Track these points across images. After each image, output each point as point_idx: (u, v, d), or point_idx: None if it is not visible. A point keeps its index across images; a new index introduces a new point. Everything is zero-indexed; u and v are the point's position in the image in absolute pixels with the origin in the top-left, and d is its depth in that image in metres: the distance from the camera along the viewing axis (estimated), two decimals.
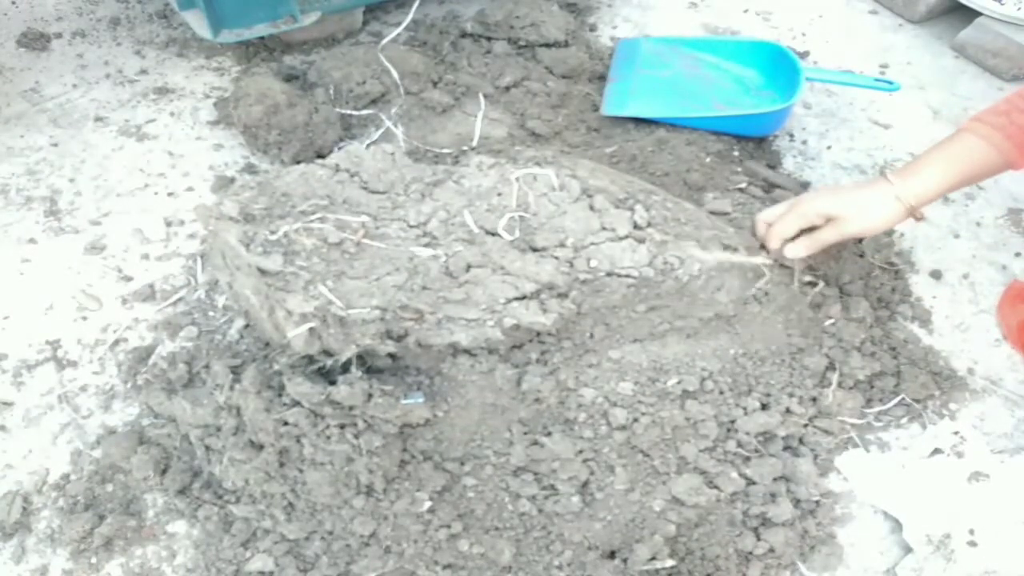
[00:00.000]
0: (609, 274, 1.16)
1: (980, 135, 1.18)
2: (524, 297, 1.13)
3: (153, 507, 1.19)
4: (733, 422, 1.20)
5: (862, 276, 1.43)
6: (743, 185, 1.54)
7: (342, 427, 1.09)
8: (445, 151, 1.63)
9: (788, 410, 1.24)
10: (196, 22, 1.71)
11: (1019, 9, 1.88)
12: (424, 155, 1.62)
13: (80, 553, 1.15)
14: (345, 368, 1.09)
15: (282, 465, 1.12)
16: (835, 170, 1.70)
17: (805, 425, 1.25)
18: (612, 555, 1.14)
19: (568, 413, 1.17)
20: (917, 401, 1.31)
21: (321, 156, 1.59)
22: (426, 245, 1.17)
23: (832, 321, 1.33)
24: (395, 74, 1.72)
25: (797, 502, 1.19)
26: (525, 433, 1.16)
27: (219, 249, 1.21)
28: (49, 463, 1.24)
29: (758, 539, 1.15)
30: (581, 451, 1.15)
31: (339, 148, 1.64)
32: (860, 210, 1.21)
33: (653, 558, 1.12)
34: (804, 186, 1.64)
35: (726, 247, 1.23)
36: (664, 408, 1.18)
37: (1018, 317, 1.42)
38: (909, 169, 1.22)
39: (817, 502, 1.19)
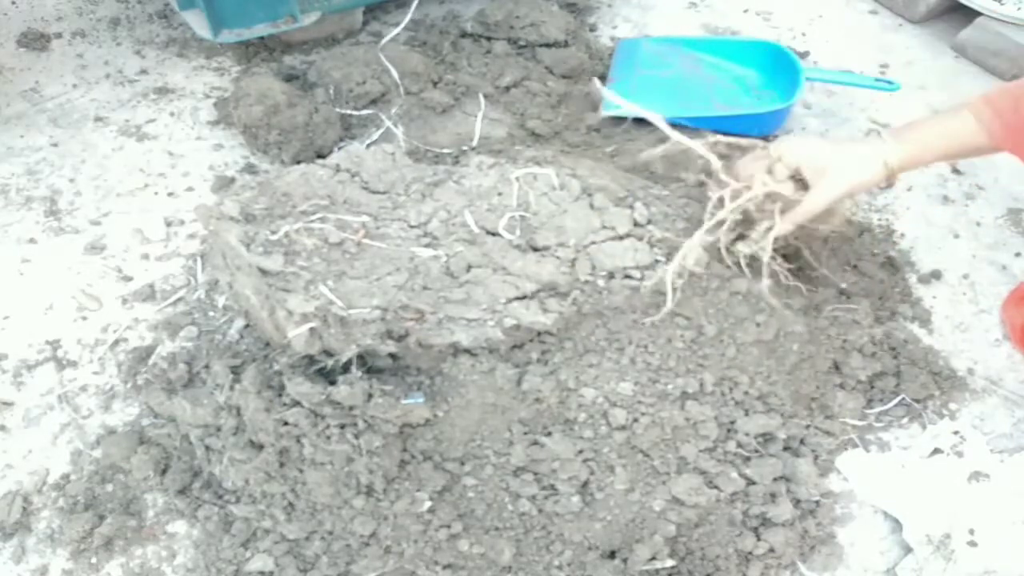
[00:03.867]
0: (611, 276, 1.16)
1: (980, 119, 1.15)
2: (525, 297, 1.13)
3: (153, 507, 1.19)
4: (733, 423, 1.20)
5: (861, 275, 1.43)
6: None
7: (342, 427, 1.09)
8: (445, 151, 1.63)
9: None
10: (196, 22, 1.71)
11: (1019, 9, 1.88)
12: (424, 155, 1.62)
13: (80, 553, 1.15)
14: (345, 368, 1.09)
15: (282, 465, 1.12)
16: None
17: (807, 427, 1.25)
18: (612, 555, 1.14)
19: (568, 413, 1.16)
20: (917, 401, 1.31)
21: (321, 156, 1.59)
22: (427, 245, 1.17)
23: (834, 318, 1.33)
24: (395, 74, 1.72)
25: (797, 502, 1.19)
26: (525, 433, 1.16)
27: (219, 249, 1.21)
28: (49, 463, 1.24)
29: (758, 539, 1.15)
30: (581, 451, 1.15)
31: (339, 148, 1.64)
32: (840, 166, 1.15)
33: (653, 558, 1.12)
34: None
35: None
36: (664, 408, 1.18)
37: (1023, 317, 1.42)
38: (904, 134, 1.18)
39: (817, 502, 1.19)
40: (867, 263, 1.47)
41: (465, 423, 1.14)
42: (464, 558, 1.12)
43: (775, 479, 1.19)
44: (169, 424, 1.24)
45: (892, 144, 1.17)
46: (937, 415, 1.31)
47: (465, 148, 1.63)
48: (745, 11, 2.09)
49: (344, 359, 1.08)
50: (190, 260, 1.49)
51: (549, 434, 1.15)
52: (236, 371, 1.22)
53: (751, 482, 1.18)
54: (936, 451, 1.26)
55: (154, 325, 1.40)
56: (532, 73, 1.79)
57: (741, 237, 1.22)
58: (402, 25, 1.87)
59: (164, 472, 1.21)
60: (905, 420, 1.30)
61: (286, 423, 1.09)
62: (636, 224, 1.21)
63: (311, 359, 1.10)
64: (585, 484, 1.15)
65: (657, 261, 1.19)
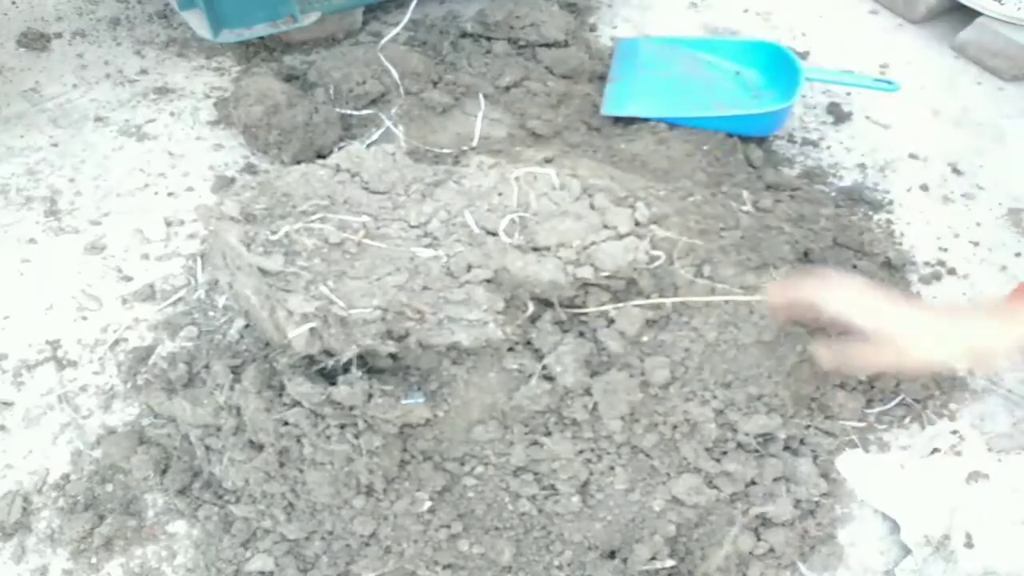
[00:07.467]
0: (611, 276, 1.16)
1: None
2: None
3: (153, 507, 1.19)
4: (733, 422, 1.20)
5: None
6: None
7: (342, 427, 1.09)
8: (445, 151, 1.63)
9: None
10: (196, 22, 1.71)
11: (1019, 9, 1.88)
12: (424, 155, 1.62)
13: (80, 553, 1.15)
14: (346, 368, 1.09)
15: (282, 465, 1.12)
16: (835, 169, 1.70)
17: (807, 427, 1.25)
18: (612, 555, 1.14)
19: (568, 413, 1.17)
20: (917, 401, 1.31)
21: (321, 156, 1.59)
22: (427, 245, 1.17)
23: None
24: (395, 74, 1.72)
25: (797, 502, 1.19)
26: (525, 433, 1.16)
27: (219, 249, 1.21)
28: (49, 463, 1.24)
29: (758, 539, 1.15)
30: (581, 451, 1.15)
31: (339, 148, 1.64)
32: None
33: (653, 558, 1.12)
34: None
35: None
36: (664, 408, 1.18)
37: None
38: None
39: (817, 502, 1.19)
40: (867, 263, 1.47)
41: (465, 423, 1.15)
42: (464, 558, 1.12)
43: (775, 479, 1.19)
44: (169, 424, 1.24)
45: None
46: (937, 415, 1.31)
47: (465, 148, 1.63)
48: (745, 11, 2.09)
49: (344, 359, 1.08)
50: (190, 260, 1.49)
51: (549, 434, 1.15)
52: (236, 371, 1.22)
53: (751, 482, 1.18)
54: (935, 451, 1.26)
55: (154, 325, 1.39)
56: (532, 73, 1.79)
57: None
58: (402, 25, 1.87)
59: (164, 472, 1.21)
60: (905, 420, 1.30)
61: (286, 423, 1.10)
62: (638, 224, 1.21)
63: (311, 359, 1.10)
64: (585, 484, 1.15)
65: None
